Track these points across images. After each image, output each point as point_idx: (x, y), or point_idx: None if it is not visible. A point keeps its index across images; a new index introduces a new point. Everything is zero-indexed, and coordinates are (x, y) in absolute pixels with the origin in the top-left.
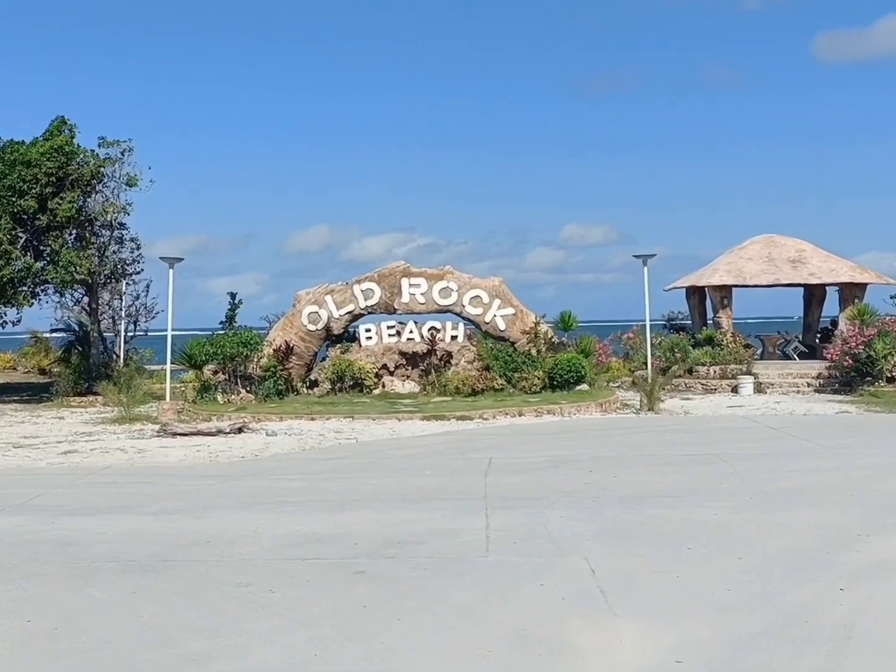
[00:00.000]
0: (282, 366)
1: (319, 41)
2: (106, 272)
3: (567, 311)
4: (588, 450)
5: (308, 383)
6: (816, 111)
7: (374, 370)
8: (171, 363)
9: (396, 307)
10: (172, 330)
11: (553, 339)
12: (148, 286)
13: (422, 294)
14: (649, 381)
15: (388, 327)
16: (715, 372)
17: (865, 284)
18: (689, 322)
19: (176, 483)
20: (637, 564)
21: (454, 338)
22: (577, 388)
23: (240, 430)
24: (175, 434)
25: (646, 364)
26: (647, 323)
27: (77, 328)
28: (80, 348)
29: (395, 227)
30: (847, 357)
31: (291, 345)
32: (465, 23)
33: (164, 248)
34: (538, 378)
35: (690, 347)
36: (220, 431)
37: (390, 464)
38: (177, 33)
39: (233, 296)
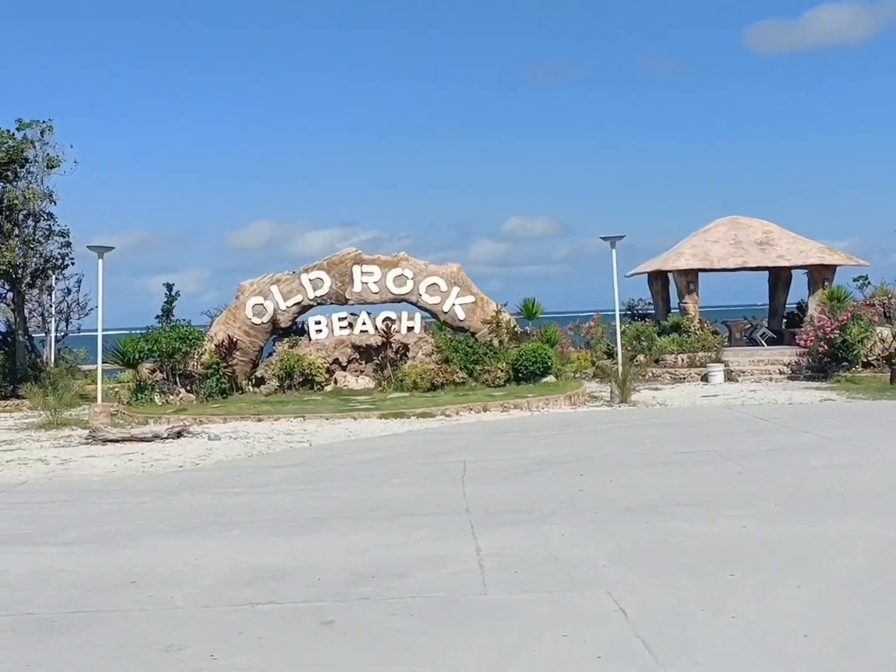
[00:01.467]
0: (225, 362)
1: (257, 25)
2: (31, 266)
3: (530, 297)
4: (571, 449)
5: (254, 381)
6: (753, 100)
7: (326, 365)
8: (104, 362)
9: (348, 297)
10: (107, 328)
11: (516, 329)
12: (79, 281)
13: (375, 283)
14: (620, 371)
15: (340, 319)
16: (683, 360)
17: (835, 266)
18: (652, 309)
19: (100, 501)
20: (676, 600)
21: (410, 329)
22: (544, 380)
23: (179, 435)
24: (105, 441)
25: (608, 353)
26: (617, 310)
27: (2, 326)
28: (5, 348)
29: (338, 221)
30: (822, 342)
31: (235, 339)
32: (403, 8)
33: (103, 244)
34: (502, 370)
35: (656, 335)
36: (156, 437)
37: (351, 471)
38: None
39: (169, 287)
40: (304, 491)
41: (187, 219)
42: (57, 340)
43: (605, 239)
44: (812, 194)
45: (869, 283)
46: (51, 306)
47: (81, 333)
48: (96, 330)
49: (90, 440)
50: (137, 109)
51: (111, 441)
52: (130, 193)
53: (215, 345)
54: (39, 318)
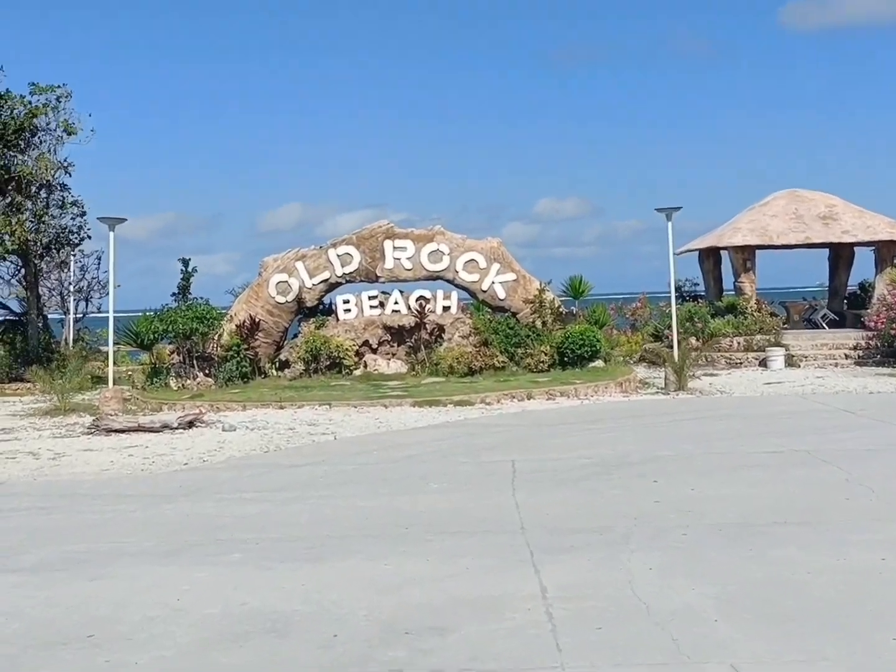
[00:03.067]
0: (246, 344)
1: (288, 10)
2: (44, 241)
3: (577, 275)
4: (634, 446)
5: (277, 364)
6: (784, 79)
7: (355, 347)
8: (117, 343)
9: (379, 274)
10: (135, 309)
11: (561, 309)
12: (99, 258)
13: (408, 258)
14: (676, 355)
15: (370, 298)
16: (739, 344)
17: None
18: (700, 290)
19: (82, 509)
20: None
21: (446, 309)
22: (591, 364)
23: (190, 425)
24: (109, 431)
25: (656, 336)
26: (672, 289)
27: (18, 306)
28: (16, 329)
29: (368, 203)
30: (893, 324)
31: (257, 319)
32: None
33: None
34: (546, 354)
35: (710, 317)
36: (165, 427)
37: (381, 472)
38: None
39: (185, 263)
40: (325, 498)
41: (217, 201)
42: (77, 321)
43: (660, 211)
44: (875, 167)
45: None
46: (69, 284)
47: (102, 314)
48: (117, 310)
49: (93, 430)
50: (170, 91)
51: (116, 431)
52: (161, 175)
53: (236, 325)
54: (59, 298)
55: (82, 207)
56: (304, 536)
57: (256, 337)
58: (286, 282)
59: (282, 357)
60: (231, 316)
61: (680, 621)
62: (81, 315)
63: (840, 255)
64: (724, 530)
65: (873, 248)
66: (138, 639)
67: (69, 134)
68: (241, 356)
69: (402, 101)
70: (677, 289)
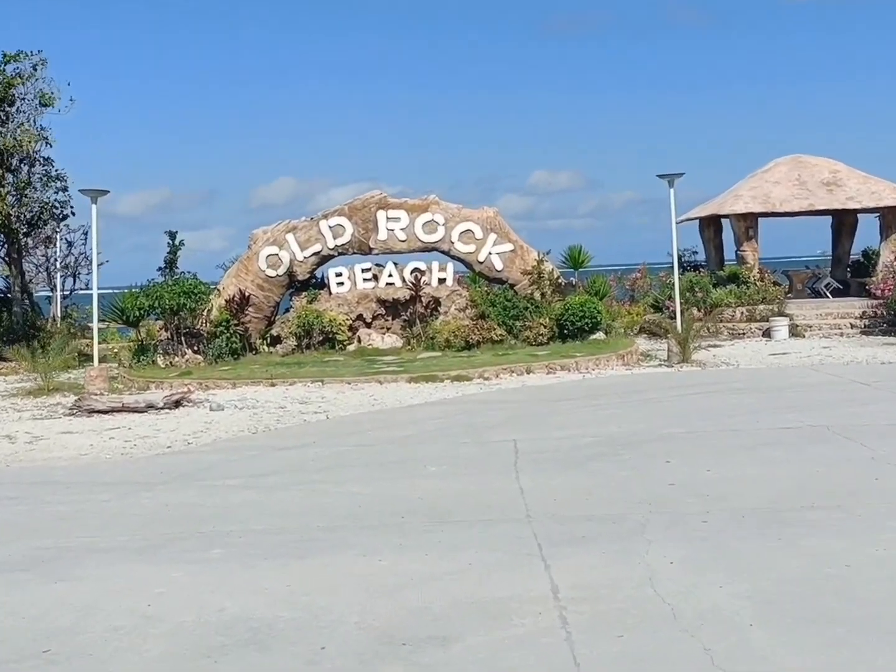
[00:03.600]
0: (236, 320)
1: None
2: (27, 216)
3: (576, 244)
4: (642, 423)
5: (269, 340)
6: (784, 46)
7: (348, 322)
8: (102, 320)
9: (372, 246)
10: (124, 286)
11: (560, 280)
12: (86, 234)
13: (402, 229)
14: (679, 327)
15: (363, 270)
16: (742, 314)
17: None
18: (701, 259)
19: (54, 499)
20: None
21: (442, 281)
22: (592, 337)
23: (177, 404)
24: (92, 411)
25: (655, 307)
26: (675, 258)
27: (2, 284)
28: (4, 307)
29: (361, 177)
30: None
31: (247, 294)
32: None
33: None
34: (545, 327)
35: (711, 287)
36: (150, 407)
37: (375, 454)
38: None
39: (172, 236)
40: (315, 484)
41: (211, 176)
42: (64, 297)
43: (662, 177)
44: (880, 132)
45: None
46: (56, 261)
47: (91, 290)
48: (110, 286)
49: (75, 411)
50: (159, 66)
51: (98, 412)
52: (155, 151)
53: (225, 300)
54: (45, 275)
55: (65, 181)
56: (293, 528)
57: (246, 312)
58: (276, 255)
59: (273, 332)
60: (220, 290)
61: (711, 627)
62: (69, 292)
63: (843, 221)
64: (747, 517)
65: (878, 214)
66: (100, 654)
67: (45, 105)
68: (231, 332)
69: (396, 74)
70: (678, 258)
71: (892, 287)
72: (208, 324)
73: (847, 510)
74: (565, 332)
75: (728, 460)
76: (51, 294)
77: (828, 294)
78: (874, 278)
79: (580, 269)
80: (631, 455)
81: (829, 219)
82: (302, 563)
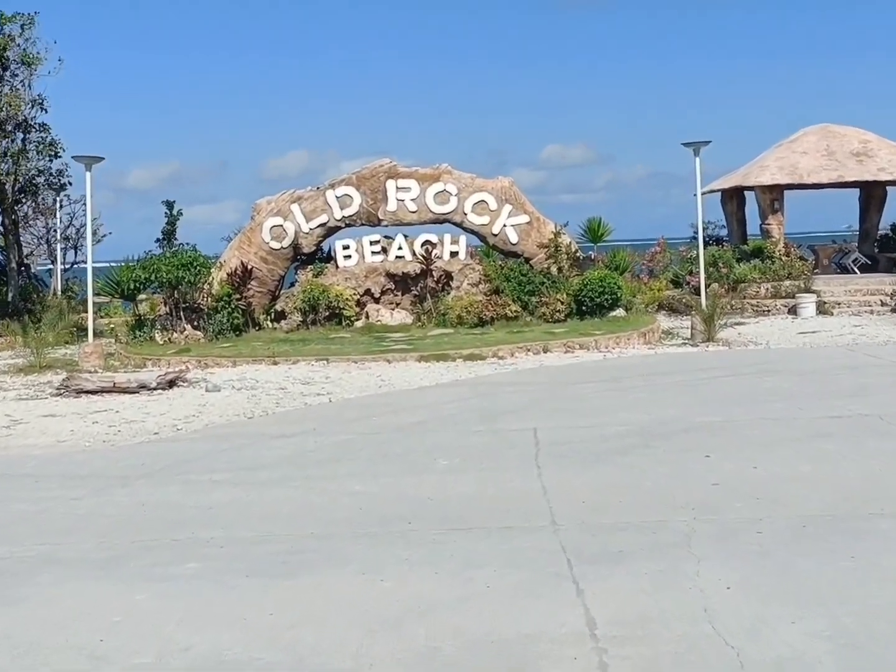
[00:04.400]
0: (238, 294)
1: None
2: (21, 183)
3: (595, 216)
4: (674, 410)
5: (273, 315)
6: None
7: (356, 297)
8: (97, 294)
9: (381, 217)
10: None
11: (578, 254)
12: (85, 204)
13: (412, 200)
14: (704, 304)
15: (372, 243)
16: (767, 290)
17: None
18: (724, 233)
19: (19, 495)
20: None
21: (454, 254)
22: (612, 314)
23: (171, 384)
24: (80, 391)
25: (675, 283)
26: (701, 231)
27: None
28: (2, 279)
29: (373, 150)
30: None
31: (250, 267)
32: None
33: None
34: (562, 303)
35: (735, 262)
36: (142, 387)
37: (380, 445)
38: None
39: (169, 205)
40: (312, 480)
41: (222, 149)
42: (65, 270)
43: (687, 145)
44: None
45: None
46: (56, 232)
47: (94, 262)
48: (115, 259)
49: (62, 390)
50: (173, 40)
51: (87, 392)
52: (164, 125)
53: (227, 273)
54: (46, 247)
55: (57, 148)
56: (283, 535)
57: (249, 286)
58: (281, 226)
59: (277, 308)
60: (221, 263)
61: None
62: (70, 265)
63: (872, 194)
64: (809, 526)
65: None
66: None
67: (28, 65)
68: (233, 307)
69: (409, 46)
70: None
71: None
72: (209, 298)
73: None
74: (583, 308)
75: (775, 455)
76: (52, 267)
77: (856, 270)
78: None
79: (599, 243)
80: (665, 447)
81: (856, 192)
82: (289, 584)
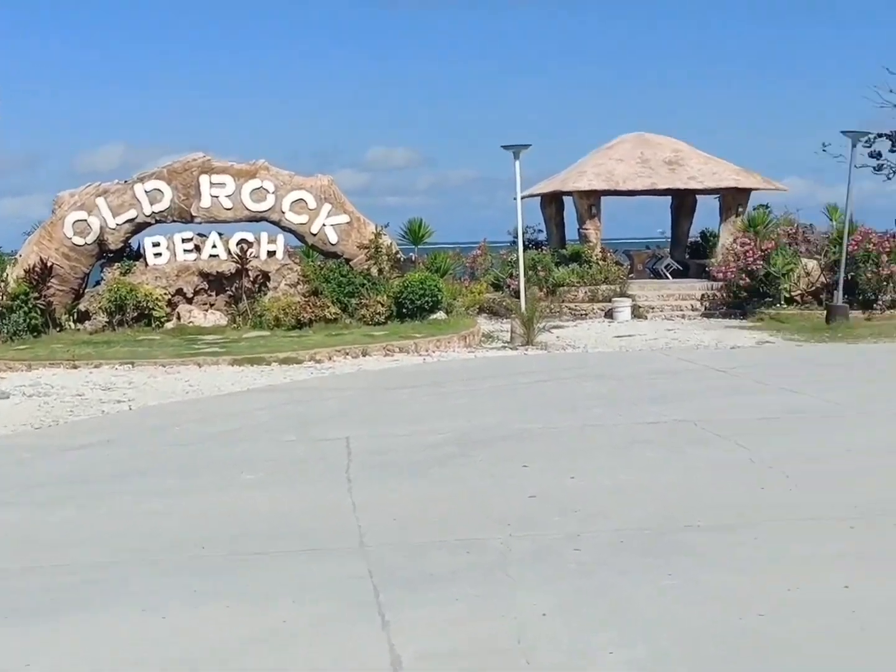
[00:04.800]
0: (37, 292)
1: None
2: None
3: (416, 218)
4: (493, 416)
5: (76, 316)
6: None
7: (167, 297)
8: None
9: (194, 214)
10: None
11: (399, 256)
12: None
13: (228, 196)
14: (524, 307)
15: (184, 240)
16: (584, 294)
17: (750, 190)
18: (542, 237)
19: None
20: None
21: (272, 254)
22: (432, 316)
23: None
24: None
25: (496, 286)
26: (520, 234)
27: None
28: None
29: (193, 145)
30: (742, 274)
31: (50, 264)
32: None
33: None
34: (382, 305)
35: (554, 265)
36: None
37: (182, 456)
38: None
39: None
40: (101, 498)
41: (33, 140)
42: None
43: (507, 148)
44: (722, 112)
45: (771, 211)
46: None
47: None
48: None
49: None
50: None
51: None
52: None
53: (24, 270)
54: None
55: None
56: (59, 565)
57: (49, 284)
58: (85, 221)
59: (81, 307)
60: (17, 259)
61: None
62: None
63: (683, 202)
64: (627, 541)
65: (718, 195)
66: None
67: None
68: (31, 306)
69: (231, 33)
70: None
71: (732, 269)
72: (4, 297)
73: (738, 532)
74: (404, 311)
75: (594, 464)
76: None
77: (668, 275)
78: (713, 260)
79: (420, 245)
80: (483, 457)
81: (669, 199)
82: (53, 626)
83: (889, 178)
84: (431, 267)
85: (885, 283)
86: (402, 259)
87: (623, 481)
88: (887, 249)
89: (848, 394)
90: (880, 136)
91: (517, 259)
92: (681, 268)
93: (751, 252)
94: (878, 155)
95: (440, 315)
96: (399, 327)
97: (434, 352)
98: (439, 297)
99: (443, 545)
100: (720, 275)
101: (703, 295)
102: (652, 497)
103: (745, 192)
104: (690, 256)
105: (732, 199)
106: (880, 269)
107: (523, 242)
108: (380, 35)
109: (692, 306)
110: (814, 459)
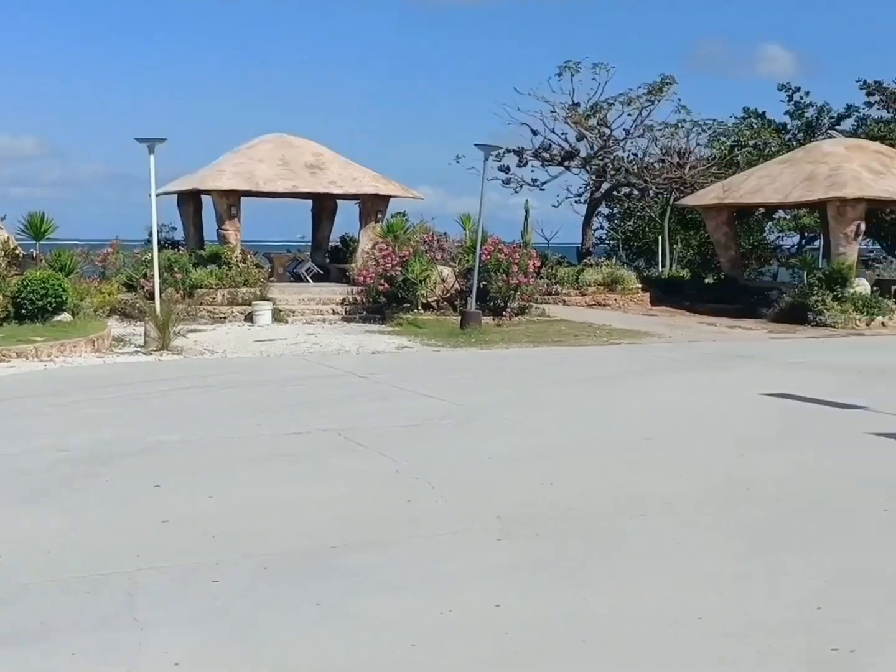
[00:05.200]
0: None
1: None
2: None
3: (37, 211)
4: (123, 428)
5: None
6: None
7: None
8: None
9: None
10: None
11: (18, 252)
12: None
13: None
14: (159, 309)
15: None
16: (224, 297)
17: (389, 198)
18: (180, 236)
19: None
20: None
21: None
22: (56, 318)
23: None
24: None
25: (129, 286)
26: (155, 233)
27: None
28: None
29: None
30: (382, 280)
31: None
32: None
33: None
34: None
35: (192, 266)
36: None
37: None
38: None
39: None
40: None
41: None
42: None
43: (141, 141)
44: (360, 119)
45: (408, 219)
46: None
47: None
48: None
49: None
50: None
51: None
52: None
53: None
54: None
55: None
56: None
57: None
58: None
59: None
60: None
61: None
62: None
63: (324, 206)
64: (271, 567)
65: (358, 201)
66: None
67: None
68: None
69: None
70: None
71: (372, 275)
72: None
73: (390, 550)
74: (23, 312)
75: (235, 480)
76: None
77: (309, 279)
78: (354, 265)
79: (43, 241)
80: (112, 476)
81: (310, 202)
82: None
83: (517, 192)
84: (55, 264)
85: (513, 292)
86: (21, 255)
87: (260, 496)
88: (517, 260)
89: (484, 399)
90: (509, 151)
91: (152, 258)
92: (322, 272)
93: (389, 258)
94: (507, 169)
95: (65, 317)
96: (17, 330)
97: (58, 357)
98: (64, 298)
99: (61, 586)
100: (360, 280)
101: (343, 299)
102: (301, 515)
103: (384, 199)
104: (331, 261)
105: (372, 206)
106: (510, 277)
107: (159, 241)
108: None
109: (333, 310)
110: (456, 467)
